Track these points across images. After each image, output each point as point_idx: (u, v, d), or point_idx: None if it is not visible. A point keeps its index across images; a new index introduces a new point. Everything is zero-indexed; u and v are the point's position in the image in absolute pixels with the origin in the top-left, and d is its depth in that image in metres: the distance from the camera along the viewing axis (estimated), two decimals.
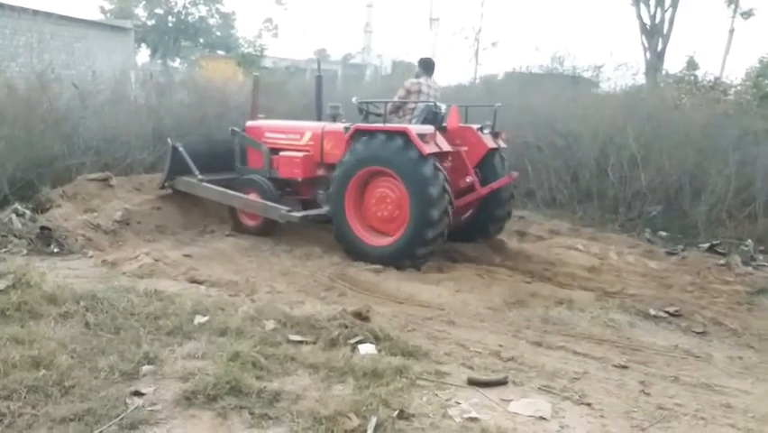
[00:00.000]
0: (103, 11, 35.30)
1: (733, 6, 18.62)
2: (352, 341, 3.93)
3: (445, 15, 37.21)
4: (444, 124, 6.44)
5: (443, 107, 6.60)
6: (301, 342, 3.95)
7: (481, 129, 6.62)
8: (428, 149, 5.83)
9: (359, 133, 6.24)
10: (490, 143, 6.58)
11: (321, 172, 6.89)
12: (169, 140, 7.55)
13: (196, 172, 7.26)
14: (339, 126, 6.74)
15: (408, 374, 3.55)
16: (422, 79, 7.06)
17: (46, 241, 6.05)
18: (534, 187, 9.15)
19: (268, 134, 7.42)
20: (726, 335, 4.74)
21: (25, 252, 5.78)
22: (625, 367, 4.00)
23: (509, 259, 6.50)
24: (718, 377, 3.96)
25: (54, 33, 15.32)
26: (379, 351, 3.85)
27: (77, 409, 2.95)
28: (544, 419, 3.23)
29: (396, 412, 3.12)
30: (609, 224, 8.19)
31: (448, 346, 4.15)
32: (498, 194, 6.54)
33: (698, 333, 4.74)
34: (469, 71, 24.44)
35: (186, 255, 6.05)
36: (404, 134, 5.92)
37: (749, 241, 7.17)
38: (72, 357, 3.48)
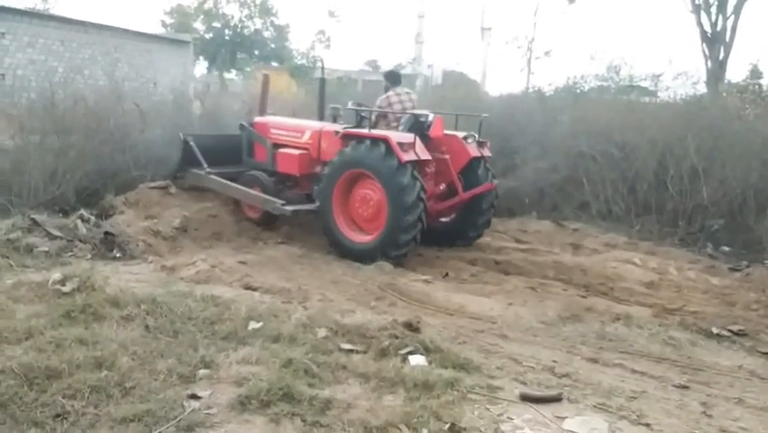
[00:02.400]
0: (164, 24, 36.78)
1: None
2: (403, 352, 3.91)
3: (497, 25, 36.89)
4: (428, 133, 6.80)
5: (431, 116, 6.95)
6: (352, 351, 3.97)
7: (466, 138, 6.97)
8: (406, 157, 6.21)
9: (347, 137, 6.72)
10: (474, 152, 6.94)
11: (317, 169, 7.17)
12: (180, 134, 8.00)
13: (204, 164, 7.71)
14: (335, 127, 7.21)
15: (459, 387, 3.51)
16: (390, 93, 7.38)
17: (109, 246, 6.30)
18: (589, 199, 8.94)
19: (273, 130, 7.84)
20: None
21: (89, 256, 6.02)
22: (685, 387, 3.84)
23: (563, 273, 6.36)
24: None
25: (118, 47, 16.03)
26: (430, 362, 3.83)
27: (136, 410, 3.04)
28: None
29: (447, 426, 3.09)
30: (668, 238, 7.90)
31: (500, 360, 4.09)
32: (479, 201, 6.99)
33: (763, 353, 4.50)
34: (521, 81, 24.17)
35: (240, 262, 6.18)
36: (385, 142, 6.29)
37: None
38: (133, 359, 3.60)
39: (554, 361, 4.11)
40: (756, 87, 13.44)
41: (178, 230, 6.88)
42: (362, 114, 7.21)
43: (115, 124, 8.44)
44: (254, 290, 5.32)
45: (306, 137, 7.47)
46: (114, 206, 7.18)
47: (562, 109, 11.71)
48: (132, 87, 12.28)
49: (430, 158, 6.56)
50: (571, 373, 3.92)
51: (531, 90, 17.93)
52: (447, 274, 6.35)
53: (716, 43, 16.90)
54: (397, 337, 4.04)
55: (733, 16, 17.07)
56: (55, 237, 6.11)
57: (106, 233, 6.39)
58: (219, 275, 5.65)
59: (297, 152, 7.42)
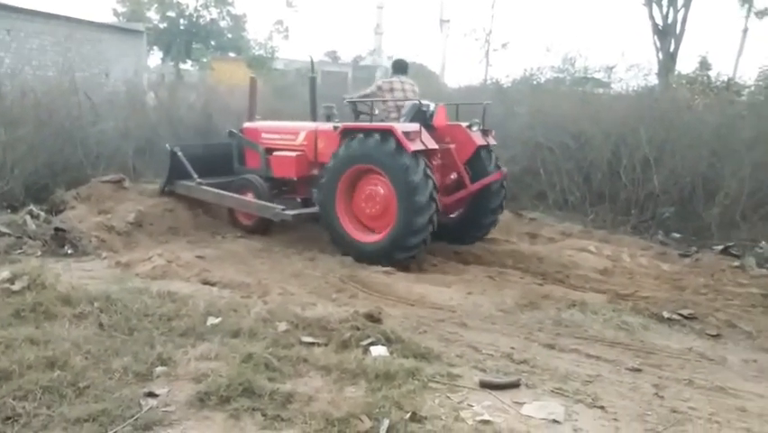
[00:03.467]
0: (116, 13, 35.65)
1: (747, 6, 18.46)
2: (364, 343, 3.92)
3: (456, 17, 37.15)
4: (431, 123, 6.50)
5: (432, 106, 6.64)
6: (313, 343, 3.96)
7: (470, 126, 6.67)
8: (413, 146, 5.90)
9: (348, 132, 6.38)
10: (479, 140, 6.63)
11: (315, 172, 6.97)
12: (167, 145, 7.68)
13: (194, 175, 7.41)
14: (331, 126, 6.88)
15: (420, 377, 3.54)
16: (393, 78, 7.14)
17: (60, 242, 6.11)
18: (545, 188, 9.12)
19: (264, 135, 7.58)
20: (740, 337, 4.68)
21: (39, 253, 5.84)
22: (638, 370, 3.96)
23: (521, 261, 6.48)
24: (733, 380, 3.91)
25: (68, 36, 15.48)
26: (391, 353, 3.85)
27: (91, 410, 2.97)
28: (557, 422, 3.21)
29: (408, 415, 3.11)
30: (622, 226, 8.13)
31: (460, 349, 4.14)
32: (488, 191, 6.68)
33: (712, 336, 4.69)
34: (480, 73, 24.40)
35: (198, 257, 6.09)
36: (389, 133, 5.99)
37: (764, 243, 7.09)
38: (86, 358, 3.51)
39: (512, 348, 4.19)
40: (705, 78, 13.90)
41: (132, 225, 6.74)
42: (359, 108, 7.01)
43: (66, 117, 8.18)
44: (213, 285, 5.25)
45: (300, 139, 7.19)
46: (65, 201, 6.97)
47: (520, 101, 11.89)
48: (83, 78, 11.90)
49: (437, 147, 6.26)
50: (529, 359, 4.00)
51: (489, 82, 18.13)
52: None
53: (667, 36, 17.39)
54: (358, 329, 4.05)
55: (683, 9, 17.59)
56: (3, 234, 5.92)
57: (57, 228, 6.20)
58: (176, 270, 5.55)
59: (292, 154, 7.14)
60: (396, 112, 6.93)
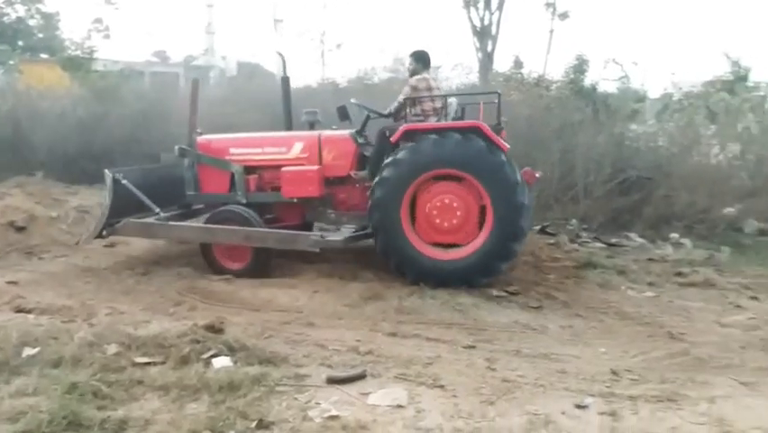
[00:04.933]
0: None
1: (551, 9, 20.52)
2: (206, 356, 3.77)
3: (289, 17, 36.91)
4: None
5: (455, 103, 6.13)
6: (149, 363, 3.71)
7: (500, 127, 5.80)
8: (504, 143, 5.42)
9: (410, 133, 5.54)
10: (505, 144, 5.59)
11: (326, 190, 6.06)
12: (106, 171, 5.99)
13: (156, 209, 6.06)
14: (341, 133, 6.16)
15: (267, 382, 3.49)
16: (426, 75, 6.10)
17: None
18: None
19: (234, 150, 6.35)
20: (558, 307, 5.22)
21: None
22: (473, 347, 4.26)
23: (362, 255, 6.60)
24: (554, 346, 4.36)
25: None
26: (235, 362, 3.74)
27: None
28: (402, 406, 3.34)
29: (254, 423, 3.05)
30: None
31: (307, 348, 4.13)
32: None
33: (534, 308, 5.17)
34: (317, 73, 24.54)
35: (10, 282, 5.45)
36: (477, 130, 5.35)
37: (574, 221, 7.99)
38: None
39: (358, 340, 4.28)
40: (519, 75, 15.26)
41: None
42: (376, 113, 6.04)
43: None
44: (28, 312, 4.71)
45: (296, 151, 6.15)
46: None
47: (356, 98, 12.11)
48: None
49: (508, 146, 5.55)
50: (374, 349, 4.11)
51: (326, 82, 18.29)
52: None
53: (484, 37, 18.78)
54: (198, 342, 3.87)
55: (498, 12, 19.11)
56: None
57: None
58: None
59: (307, 168, 5.99)
60: (434, 111, 6.03)
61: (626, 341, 4.48)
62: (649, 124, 10.67)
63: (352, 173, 6.02)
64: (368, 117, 6.12)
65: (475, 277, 5.39)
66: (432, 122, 5.83)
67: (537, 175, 5.84)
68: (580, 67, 14.32)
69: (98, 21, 35.72)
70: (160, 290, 5.32)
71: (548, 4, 20.36)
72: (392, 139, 5.56)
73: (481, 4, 19.09)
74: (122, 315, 4.65)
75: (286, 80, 6.79)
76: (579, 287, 5.74)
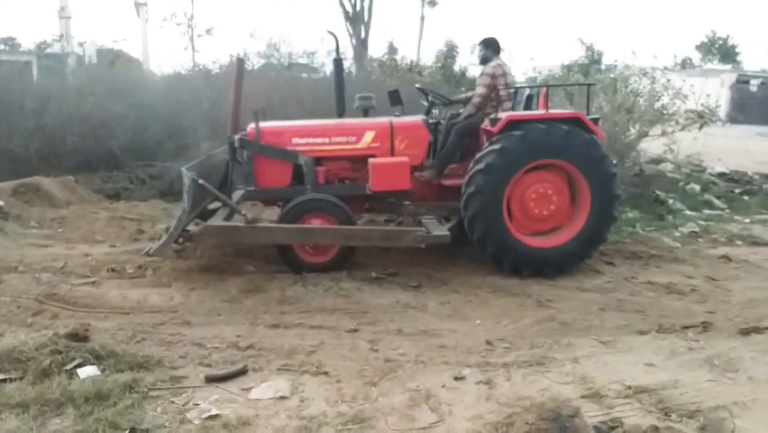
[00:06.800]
0: None
1: None
2: (69, 366, 3.49)
3: (153, 0, 34.74)
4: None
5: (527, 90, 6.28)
6: (4, 380, 3.38)
7: (597, 121, 5.95)
8: (603, 137, 5.71)
9: (514, 123, 5.51)
10: (603, 135, 5.99)
11: None
12: (184, 170, 5.20)
13: (242, 211, 5.57)
14: (414, 120, 6.03)
15: (139, 388, 3.30)
16: (500, 61, 6.10)
17: None
18: None
19: (298, 140, 5.86)
20: (437, 285, 5.37)
21: None
22: (356, 330, 4.30)
23: (242, 247, 6.42)
24: (433, 322, 4.51)
25: None
26: (103, 371, 3.50)
27: None
28: (285, 397, 3.31)
29: (126, 432, 2.88)
30: None
31: (183, 349, 3.95)
32: None
33: (413, 287, 5.30)
34: (187, 59, 23.33)
35: None
36: (578, 121, 5.56)
37: None
38: None
39: (238, 336, 4.16)
40: (393, 61, 15.54)
41: None
42: (441, 99, 6.21)
43: None
44: None
45: (367, 140, 5.84)
46: None
47: (228, 88, 11.70)
48: None
49: None
50: (255, 343, 4.02)
51: (197, 69, 17.48)
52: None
53: (357, 23, 18.90)
54: (59, 352, 3.58)
55: None
56: None
57: None
58: None
59: (398, 160, 5.71)
60: (509, 98, 6.12)
61: (499, 312, 4.74)
62: None
63: (417, 174, 5.93)
64: (432, 103, 6.21)
65: (571, 262, 5.68)
66: (505, 109, 5.95)
67: None
68: (449, 52, 14.89)
69: None
70: (16, 300, 4.80)
71: None
72: (494, 129, 5.52)
73: None
74: None
75: (338, 62, 6.43)
76: (454, 265, 5.96)
